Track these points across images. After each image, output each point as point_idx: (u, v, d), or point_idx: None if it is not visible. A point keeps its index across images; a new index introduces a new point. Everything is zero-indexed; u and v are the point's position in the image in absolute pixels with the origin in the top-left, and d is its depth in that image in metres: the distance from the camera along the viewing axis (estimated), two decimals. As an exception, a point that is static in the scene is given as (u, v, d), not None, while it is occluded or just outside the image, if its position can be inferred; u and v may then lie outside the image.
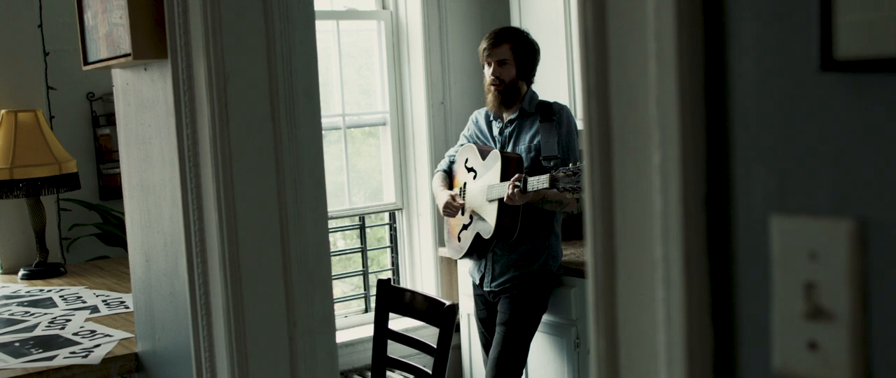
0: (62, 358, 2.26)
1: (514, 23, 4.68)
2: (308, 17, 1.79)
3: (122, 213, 3.95)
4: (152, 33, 1.85)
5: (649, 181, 0.90)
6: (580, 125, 0.98)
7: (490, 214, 3.71)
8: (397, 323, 4.03)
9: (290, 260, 1.77)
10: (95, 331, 2.51)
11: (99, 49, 2.05)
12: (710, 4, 0.84)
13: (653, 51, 0.87)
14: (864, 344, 0.75)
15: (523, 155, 3.66)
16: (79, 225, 3.92)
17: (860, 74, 0.73)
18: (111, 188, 4.08)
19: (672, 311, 0.88)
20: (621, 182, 0.93)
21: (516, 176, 3.52)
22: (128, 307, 2.76)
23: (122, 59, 1.94)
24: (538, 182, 3.44)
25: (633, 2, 0.89)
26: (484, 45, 3.74)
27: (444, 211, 3.91)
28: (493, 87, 3.71)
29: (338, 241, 5.28)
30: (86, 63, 2.17)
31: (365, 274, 5.14)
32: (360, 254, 5.18)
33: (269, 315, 1.82)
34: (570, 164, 3.44)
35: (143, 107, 2.08)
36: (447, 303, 2.92)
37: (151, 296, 2.18)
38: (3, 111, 3.36)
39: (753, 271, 0.84)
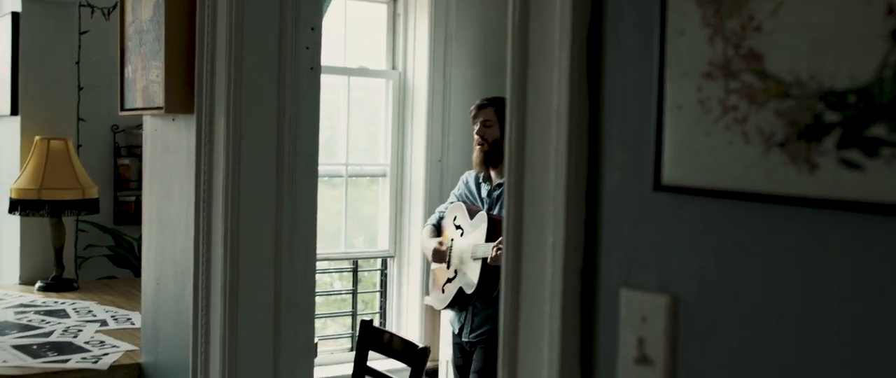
0: (74, 362, 2.57)
1: (513, 93, 5.03)
2: (314, 91, 2.13)
3: (133, 238, 4.28)
4: (183, 92, 2.19)
5: (545, 256, 1.22)
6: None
7: (473, 271, 4.02)
8: (379, 363, 4.33)
9: (280, 295, 2.09)
10: (104, 341, 2.82)
11: (135, 99, 2.40)
12: (593, 133, 1.17)
13: (553, 162, 1.20)
14: (673, 384, 1.07)
15: (508, 216, 3.98)
16: (93, 246, 4.25)
17: (677, 195, 1.05)
18: (125, 213, 4.42)
19: (552, 352, 1.20)
20: (527, 255, 1.26)
21: (500, 239, 3.83)
22: (133, 323, 3.07)
23: (154, 111, 2.28)
24: None
25: (543, 127, 1.22)
26: (472, 108, 4.16)
27: (433, 257, 4.23)
28: (478, 146, 4.08)
29: (335, 282, 5.59)
30: (122, 109, 2.51)
31: (354, 315, 5.45)
32: (351, 296, 5.49)
33: (259, 340, 2.13)
34: None
35: (168, 151, 2.41)
36: (420, 345, 3.22)
37: (158, 314, 2.50)
38: (37, 138, 3.71)
39: (609, 327, 1.15)
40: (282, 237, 2.08)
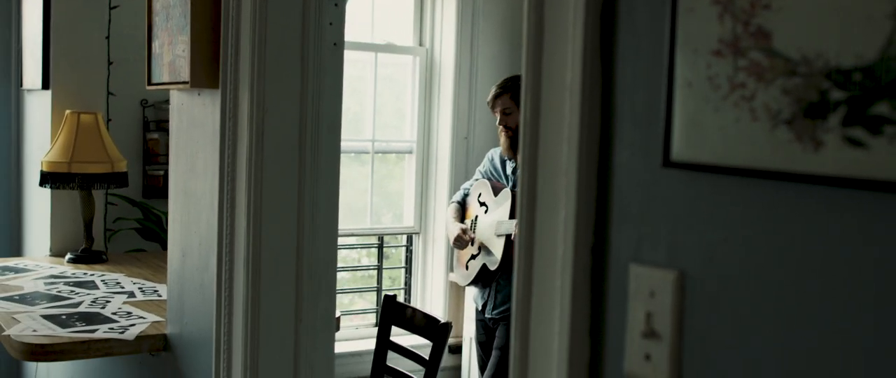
0: (102, 332, 2.63)
1: (539, 71, 5.02)
2: (337, 67, 2.15)
3: (161, 212, 4.34)
4: (208, 67, 2.22)
5: (556, 231, 1.23)
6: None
7: (497, 248, 4.04)
8: (403, 339, 4.36)
9: (302, 267, 2.12)
10: (131, 312, 2.87)
11: (162, 74, 2.43)
12: (605, 109, 1.18)
13: (565, 137, 1.21)
14: (679, 357, 1.09)
15: (531, 194, 3.99)
16: (122, 219, 4.31)
17: (686, 171, 1.06)
18: (154, 187, 4.47)
19: (563, 325, 1.22)
20: (540, 230, 1.27)
21: None
22: (160, 295, 3.12)
23: (180, 85, 2.31)
24: None
25: (557, 102, 1.23)
26: (488, 98, 4.14)
27: (454, 243, 4.25)
28: (503, 133, 4.08)
29: (362, 258, 5.64)
30: (149, 83, 2.55)
31: (379, 291, 5.49)
32: (376, 271, 5.53)
33: (280, 311, 2.17)
34: None
35: (194, 125, 2.44)
36: (442, 320, 3.25)
37: (183, 286, 2.54)
38: (67, 112, 3.76)
39: (618, 302, 1.17)
40: (304, 211, 2.11)
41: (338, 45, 2.14)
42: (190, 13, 2.19)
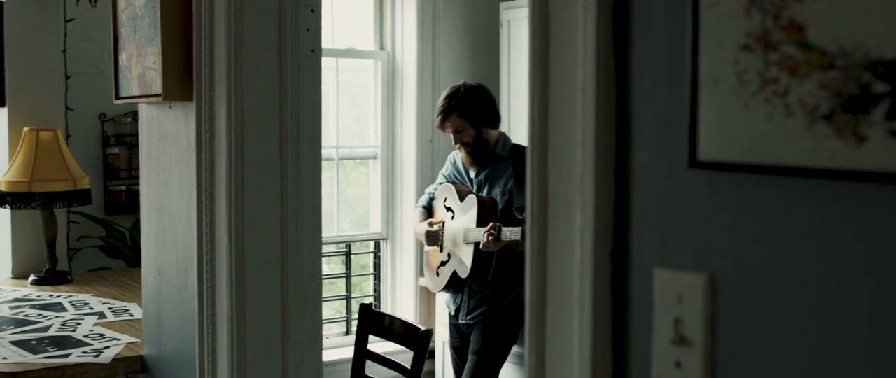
0: (75, 356, 2.54)
1: (503, 71, 4.99)
2: (315, 74, 2.09)
3: (125, 228, 4.23)
4: (181, 78, 2.14)
5: (572, 238, 1.19)
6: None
7: (466, 255, 3.98)
8: (377, 346, 4.30)
9: (287, 281, 2.06)
10: (104, 334, 2.78)
11: (131, 87, 2.35)
12: (621, 109, 1.14)
13: (579, 140, 1.17)
14: (712, 364, 1.05)
15: (498, 198, 3.94)
16: (85, 236, 4.20)
17: (714, 171, 1.03)
18: (116, 203, 4.37)
19: (583, 336, 1.18)
20: (553, 237, 1.23)
21: (491, 225, 3.78)
22: (132, 315, 3.03)
23: (151, 98, 2.23)
24: (511, 233, 3.73)
25: (568, 103, 1.19)
26: (436, 123, 3.99)
27: (426, 240, 4.19)
28: (463, 150, 4.00)
29: (323, 266, 5.55)
30: (117, 97, 2.46)
31: (348, 298, 5.42)
32: (344, 279, 5.46)
33: (267, 328, 2.10)
34: None
35: (166, 139, 2.37)
36: (422, 328, 3.20)
37: (160, 305, 2.46)
38: (25, 129, 3.65)
39: (642, 309, 1.13)
40: (287, 223, 2.05)
41: (315, 51, 2.08)
42: (160, 23, 2.12)
